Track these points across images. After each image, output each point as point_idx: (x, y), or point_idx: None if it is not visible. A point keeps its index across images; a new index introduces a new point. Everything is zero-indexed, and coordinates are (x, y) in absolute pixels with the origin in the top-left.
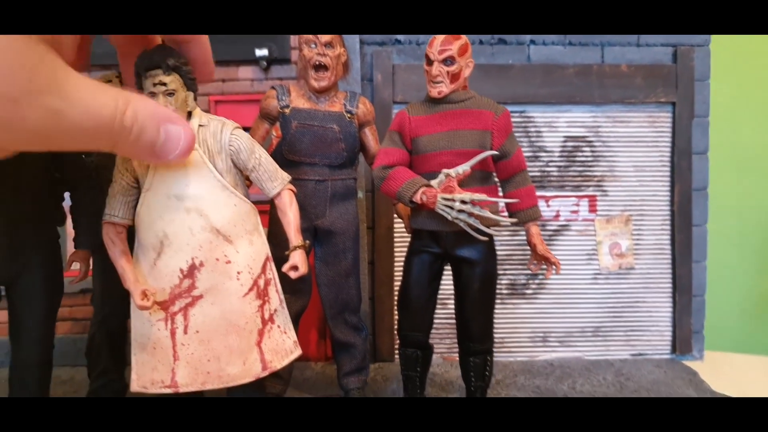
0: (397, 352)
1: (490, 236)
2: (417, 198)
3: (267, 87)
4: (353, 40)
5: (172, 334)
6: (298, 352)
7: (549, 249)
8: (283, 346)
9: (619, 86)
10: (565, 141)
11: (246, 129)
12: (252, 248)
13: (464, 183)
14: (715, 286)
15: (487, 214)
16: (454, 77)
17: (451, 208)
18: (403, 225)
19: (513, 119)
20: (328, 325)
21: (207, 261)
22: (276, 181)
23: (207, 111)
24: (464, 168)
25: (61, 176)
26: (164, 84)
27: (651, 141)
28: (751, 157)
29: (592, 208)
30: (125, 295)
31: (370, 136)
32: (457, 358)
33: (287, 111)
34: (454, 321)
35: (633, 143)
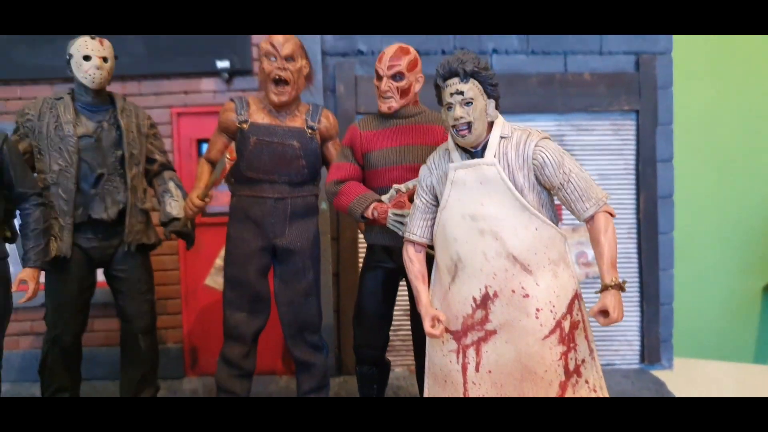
0: None
1: None
2: (368, 213)
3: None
4: (315, 51)
5: (464, 369)
6: None
7: None
8: None
9: (583, 95)
10: None
11: (207, 141)
12: (556, 282)
13: None
14: (684, 293)
15: None
16: (403, 92)
17: (402, 223)
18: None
19: None
20: (287, 343)
21: (501, 292)
22: (589, 201)
23: (168, 123)
24: (415, 183)
25: (10, 194)
26: (461, 93)
27: (615, 149)
28: (717, 162)
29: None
30: (77, 313)
31: (333, 151)
32: None
33: (245, 126)
34: None
35: (597, 151)
